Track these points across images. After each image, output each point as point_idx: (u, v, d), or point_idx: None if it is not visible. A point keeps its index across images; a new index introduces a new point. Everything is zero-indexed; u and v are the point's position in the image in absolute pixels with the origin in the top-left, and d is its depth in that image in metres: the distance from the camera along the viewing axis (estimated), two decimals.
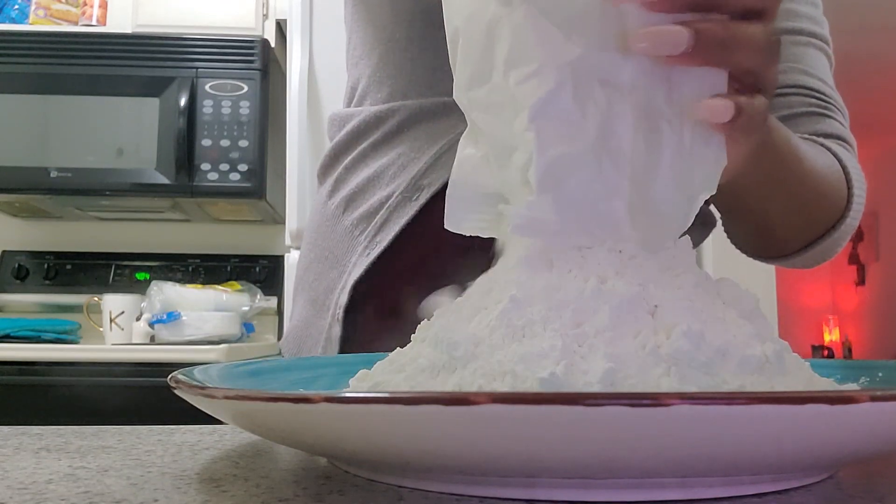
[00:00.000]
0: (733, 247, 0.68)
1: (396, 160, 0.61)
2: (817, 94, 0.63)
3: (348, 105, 0.69)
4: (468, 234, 0.35)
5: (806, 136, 0.59)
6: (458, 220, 0.35)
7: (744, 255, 0.68)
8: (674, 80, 0.32)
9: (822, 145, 0.59)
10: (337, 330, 0.60)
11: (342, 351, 0.61)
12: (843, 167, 0.59)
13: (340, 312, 0.60)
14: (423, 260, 0.59)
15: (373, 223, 0.61)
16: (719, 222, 0.69)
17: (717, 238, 0.70)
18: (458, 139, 0.58)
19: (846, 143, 0.62)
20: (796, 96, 0.62)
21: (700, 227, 0.67)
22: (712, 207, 0.69)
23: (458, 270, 0.35)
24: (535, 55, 0.31)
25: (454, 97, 0.35)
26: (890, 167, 4.71)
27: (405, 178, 0.60)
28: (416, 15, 0.61)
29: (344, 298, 0.60)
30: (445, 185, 0.59)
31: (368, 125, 0.63)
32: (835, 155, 0.59)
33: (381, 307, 0.60)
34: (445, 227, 0.35)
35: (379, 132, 0.63)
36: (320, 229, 0.67)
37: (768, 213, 0.57)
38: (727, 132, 0.33)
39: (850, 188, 0.59)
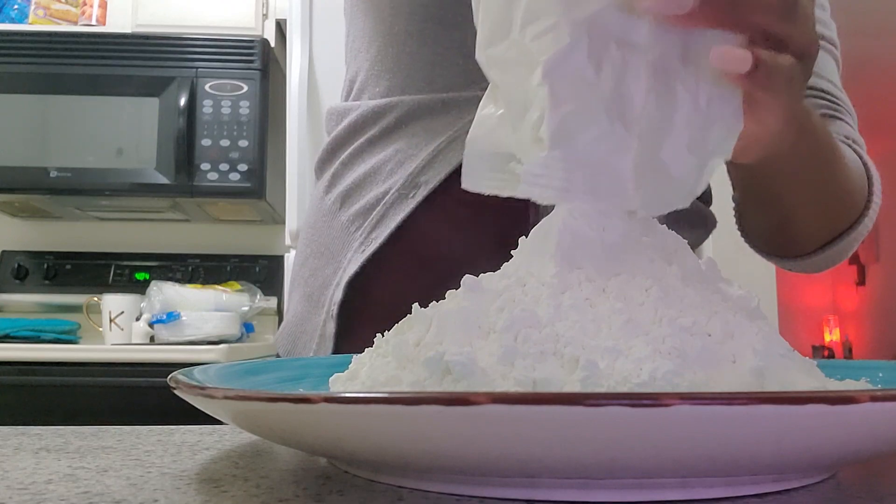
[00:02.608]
0: (733, 247, 0.67)
1: (394, 156, 0.61)
2: (827, 96, 0.63)
3: (346, 97, 0.69)
4: (486, 193, 0.35)
5: None
6: (476, 179, 0.35)
7: (744, 256, 0.68)
8: (690, 42, 0.32)
9: (845, 143, 0.59)
10: (331, 326, 0.60)
11: (336, 348, 0.61)
12: (865, 165, 0.59)
13: (335, 309, 0.60)
14: (419, 257, 0.59)
15: (369, 219, 0.61)
16: (719, 222, 0.69)
17: (718, 238, 0.70)
18: (457, 136, 0.58)
19: (856, 145, 0.62)
20: (806, 98, 0.62)
21: (700, 228, 0.67)
22: (712, 208, 0.69)
23: (454, 268, 0.35)
24: (552, 11, 0.31)
25: (475, 57, 0.35)
26: (891, 168, 4.71)
27: (402, 174, 0.60)
28: (416, 9, 0.61)
29: (339, 295, 0.60)
30: (442, 183, 0.59)
31: (366, 120, 0.63)
32: (859, 156, 0.59)
33: (376, 304, 0.60)
34: (462, 186, 0.35)
35: (377, 127, 0.63)
36: (317, 225, 0.67)
37: (794, 205, 0.56)
38: (746, 86, 0.33)
39: (870, 186, 0.58)
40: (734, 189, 0.61)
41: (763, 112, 0.35)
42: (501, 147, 0.34)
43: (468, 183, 0.35)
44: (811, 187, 0.54)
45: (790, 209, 0.57)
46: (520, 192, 0.33)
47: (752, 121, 0.36)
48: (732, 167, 0.55)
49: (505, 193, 0.34)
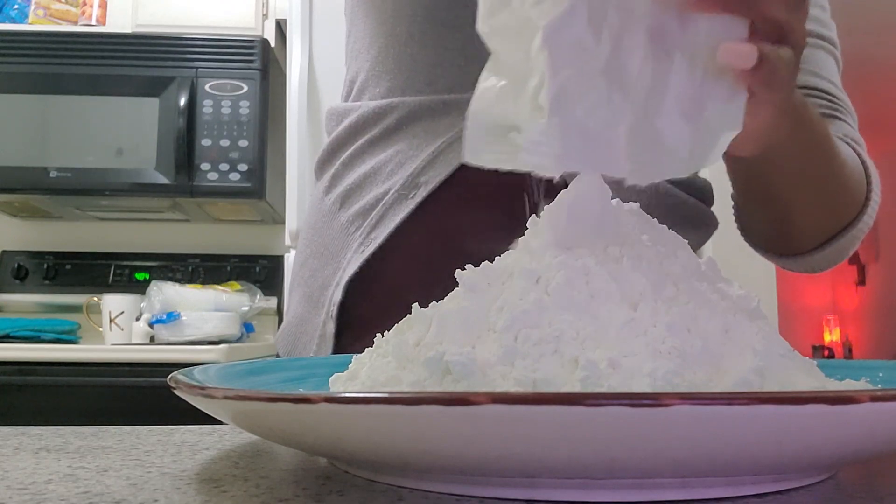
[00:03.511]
0: (733, 247, 0.67)
1: (394, 157, 0.61)
2: (827, 96, 0.63)
3: (347, 97, 0.69)
4: (488, 167, 0.35)
5: None
6: (477, 153, 0.35)
7: (744, 256, 0.68)
8: (692, 14, 0.32)
9: (843, 141, 0.59)
10: (331, 327, 0.60)
11: (336, 348, 0.61)
12: (864, 162, 0.59)
13: (335, 309, 0.60)
14: (419, 257, 0.59)
15: (368, 220, 0.61)
16: (719, 223, 0.69)
17: (718, 239, 0.70)
18: (457, 137, 0.58)
19: (857, 144, 0.62)
20: (806, 97, 0.62)
21: (701, 229, 0.67)
22: (713, 208, 0.69)
23: (454, 268, 0.35)
24: None
25: (477, 28, 0.35)
26: (891, 168, 4.71)
27: (402, 175, 0.60)
28: (418, 10, 0.61)
29: (338, 295, 0.60)
30: (442, 184, 0.59)
31: (367, 121, 0.63)
32: (858, 155, 0.59)
33: (376, 304, 0.60)
34: (464, 159, 0.35)
35: (377, 128, 0.63)
36: (317, 225, 0.67)
37: (792, 201, 0.56)
38: (750, 82, 0.33)
39: (868, 184, 0.59)
40: (733, 186, 0.61)
41: (758, 105, 0.35)
42: (502, 119, 0.34)
43: (470, 156, 0.35)
44: (809, 182, 0.54)
45: (788, 205, 0.57)
46: (520, 163, 0.33)
47: (747, 114, 0.36)
48: (730, 162, 0.55)
49: (506, 166, 0.34)
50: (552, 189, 0.36)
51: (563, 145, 0.32)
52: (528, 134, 0.32)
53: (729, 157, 0.53)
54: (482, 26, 0.35)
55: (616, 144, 0.32)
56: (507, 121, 0.34)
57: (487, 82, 0.35)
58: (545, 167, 0.33)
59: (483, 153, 0.34)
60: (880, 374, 0.38)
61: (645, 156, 0.33)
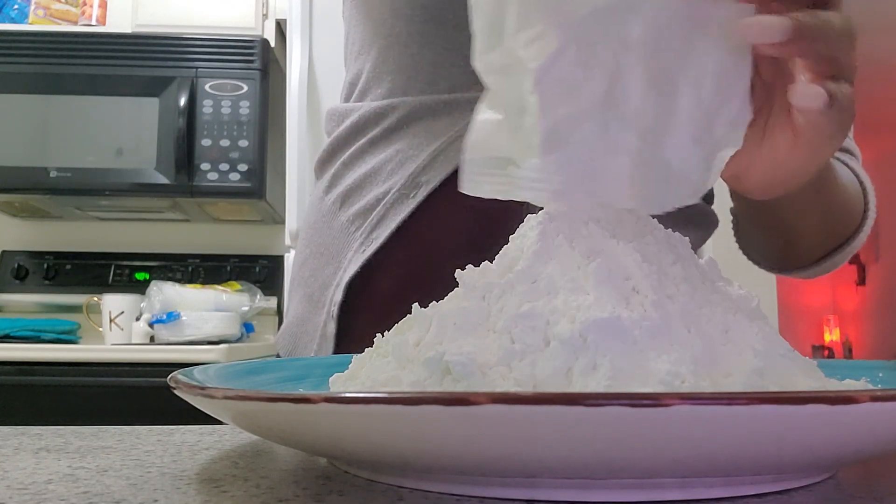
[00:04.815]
0: (733, 247, 0.68)
1: (394, 157, 0.61)
2: None
3: (346, 100, 0.69)
4: (486, 198, 0.35)
5: None
6: (475, 184, 0.35)
7: (744, 256, 0.68)
8: (689, 36, 0.32)
9: (837, 160, 0.60)
10: (332, 327, 0.60)
11: (337, 348, 0.61)
12: (861, 182, 0.59)
13: (335, 310, 0.60)
14: (419, 257, 0.59)
15: (369, 220, 0.61)
16: (720, 223, 0.69)
17: (718, 238, 0.70)
18: (458, 137, 0.58)
19: (852, 156, 0.62)
20: None
21: (703, 228, 0.67)
22: (715, 208, 0.69)
23: (454, 268, 0.35)
24: (540, 17, 0.31)
25: (472, 63, 0.35)
26: (890, 168, 4.72)
27: (403, 174, 0.60)
28: (416, 10, 0.61)
29: (339, 295, 0.60)
30: (443, 183, 0.59)
31: (367, 121, 0.63)
32: (852, 171, 0.60)
33: (377, 304, 0.60)
34: (461, 190, 0.35)
35: (378, 128, 0.63)
36: (317, 225, 0.67)
37: (798, 228, 0.57)
38: (818, 121, 0.32)
39: (866, 203, 0.59)
40: (737, 211, 0.62)
41: (813, 135, 0.35)
42: (499, 151, 0.34)
43: (468, 187, 0.35)
44: (817, 211, 0.55)
45: (792, 232, 0.58)
46: (518, 196, 0.33)
47: (802, 148, 0.35)
48: (738, 197, 0.55)
49: (505, 197, 0.35)
50: None
51: (561, 180, 0.32)
52: (524, 171, 0.32)
53: (739, 195, 0.53)
54: (477, 62, 0.35)
55: (619, 173, 0.32)
56: (503, 153, 0.34)
57: (483, 115, 0.35)
58: (545, 201, 0.33)
59: (481, 184, 0.35)
60: (880, 374, 0.38)
61: (653, 183, 0.33)
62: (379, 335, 0.36)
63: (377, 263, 0.60)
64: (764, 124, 0.37)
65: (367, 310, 0.60)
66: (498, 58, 0.33)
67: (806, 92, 0.32)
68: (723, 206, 0.67)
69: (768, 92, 0.36)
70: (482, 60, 0.34)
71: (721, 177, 0.39)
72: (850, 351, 5.35)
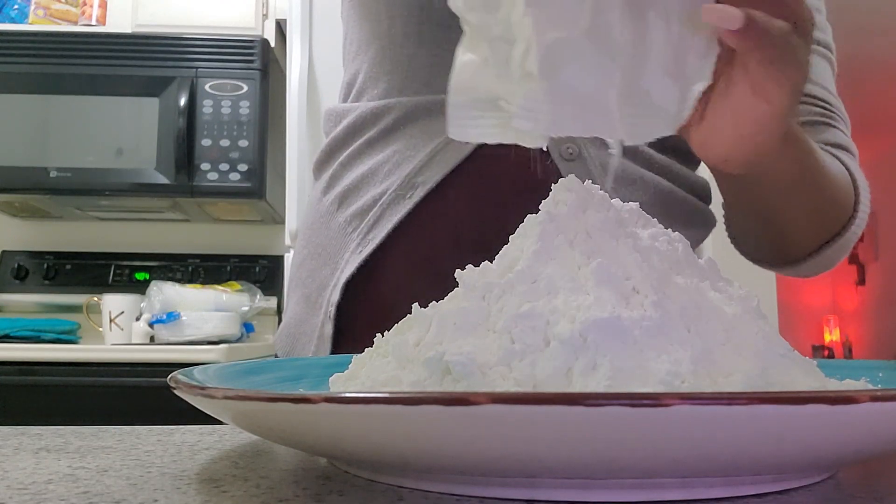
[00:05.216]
0: (733, 247, 0.68)
1: (391, 157, 0.61)
2: (821, 104, 0.63)
3: (344, 100, 0.69)
4: (475, 142, 0.34)
5: None
6: (463, 128, 0.34)
7: (739, 252, 0.68)
8: None
9: (829, 153, 0.59)
10: (329, 328, 0.60)
11: (334, 349, 0.61)
12: (851, 175, 0.59)
13: (332, 310, 0.60)
14: (416, 258, 0.59)
15: (366, 220, 0.61)
16: (719, 223, 0.69)
17: (718, 238, 0.70)
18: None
19: (849, 153, 0.62)
20: (800, 104, 0.62)
21: (700, 227, 0.67)
22: (713, 207, 0.69)
23: (452, 268, 0.35)
24: None
25: (448, 3, 0.35)
26: (889, 168, 4.71)
27: (399, 175, 0.60)
28: (413, 11, 0.61)
29: (336, 296, 0.60)
30: (440, 184, 0.59)
31: (365, 121, 0.63)
32: (843, 163, 0.59)
33: (374, 305, 0.60)
34: (449, 135, 0.34)
35: (375, 129, 0.63)
36: (314, 225, 0.67)
37: (785, 215, 0.57)
38: (738, 46, 0.33)
39: (857, 195, 0.59)
40: (723, 198, 0.62)
41: (770, 86, 0.35)
42: (486, 92, 0.34)
43: (454, 132, 0.34)
44: (796, 197, 0.54)
45: (776, 219, 0.58)
46: (507, 135, 0.33)
47: (761, 99, 0.36)
48: (720, 178, 0.55)
49: (493, 140, 0.34)
50: (549, 188, 0.35)
51: (555, 109, 0.32)
52: (518, 101, 0.32)
53: (719, 173, 0.53)
54: (457, 2, 0.34)
55: (608, 107, 0.32)
56: (490, 93, 0.34)
57: (465, 56, 0.35)
58: (538, 132, 0.33)
59: (468, 128, 0.34)
60: (880, 374, 0.38)
61: (635, 116, 0.33)
62: (379, 335, 0.36)
63: (374, 264, 0.60)
64: (725, 86, 0.38)
65: (364, 310, 0.60)
66: None
67: (719, 11, 0.33)
68: (721, 206, 0.67)
69: (728, 54, 0.37)
70: (464, 0, 0.34)
71: (694, 149, 0.39)
72: (850, 351, 5.35)
